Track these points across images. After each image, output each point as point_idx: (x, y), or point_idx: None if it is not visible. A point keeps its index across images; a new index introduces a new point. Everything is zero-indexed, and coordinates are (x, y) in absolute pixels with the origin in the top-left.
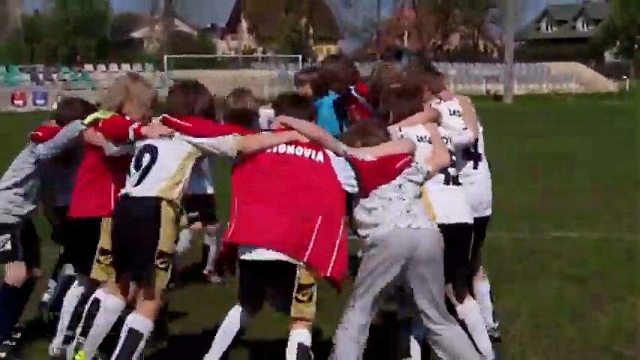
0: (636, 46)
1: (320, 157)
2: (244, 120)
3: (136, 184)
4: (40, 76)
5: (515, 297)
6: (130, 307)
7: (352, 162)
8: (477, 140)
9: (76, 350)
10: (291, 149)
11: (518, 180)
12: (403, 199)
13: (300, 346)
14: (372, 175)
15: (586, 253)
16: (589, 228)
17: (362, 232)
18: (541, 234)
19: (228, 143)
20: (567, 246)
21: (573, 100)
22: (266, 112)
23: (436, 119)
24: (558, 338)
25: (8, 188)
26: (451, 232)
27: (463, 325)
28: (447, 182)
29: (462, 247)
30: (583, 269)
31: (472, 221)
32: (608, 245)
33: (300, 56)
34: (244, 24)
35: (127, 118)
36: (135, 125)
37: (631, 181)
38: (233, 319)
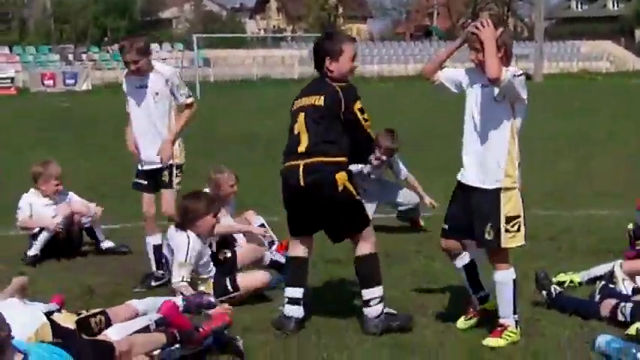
0: None
1: None
2: None
3: None
4: (70, 56)
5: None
6: None
7: None
8: None
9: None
10: None
11: (548, 159)
12: None
13: None
14: None
15: (617, 230)
16: (619, 206)
17: None
18: (572, 212)
19: None
20: (599, 224)
21: (603, 79)
22: None
23: None
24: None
25: None
26: None
27: None
28: None
29: None
30: (616, 246)
31: None
32: None
33: None
34: (273, 3)
35: None
36: None
37: None
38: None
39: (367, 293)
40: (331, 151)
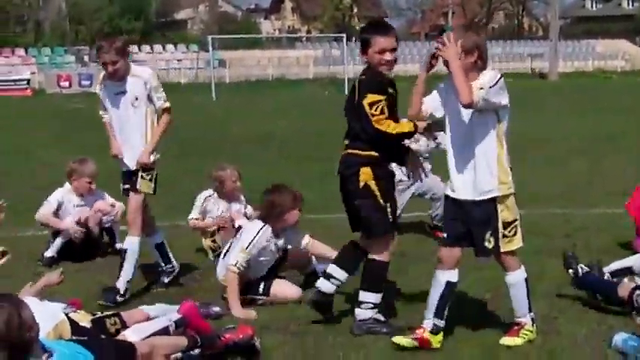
0: None
1: None
2: None
3: None
4: (86, 57)
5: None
6: None
7: None
8: None
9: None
10: None
11: (562, 158)
12: None
13: None
14: None
15: (631, 229)
16: None
17: None
18: (586, 210)
19: None
20: (613, 222)
21: (618, 77)
22: None
23: None
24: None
25: None
26: None
27: None
28: None
29: None
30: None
31: None
32: None
33: (345, 35)
34: (288, 3)
35: None
36: None
37: None
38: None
39: (363, 296)
40: (361, 145)
